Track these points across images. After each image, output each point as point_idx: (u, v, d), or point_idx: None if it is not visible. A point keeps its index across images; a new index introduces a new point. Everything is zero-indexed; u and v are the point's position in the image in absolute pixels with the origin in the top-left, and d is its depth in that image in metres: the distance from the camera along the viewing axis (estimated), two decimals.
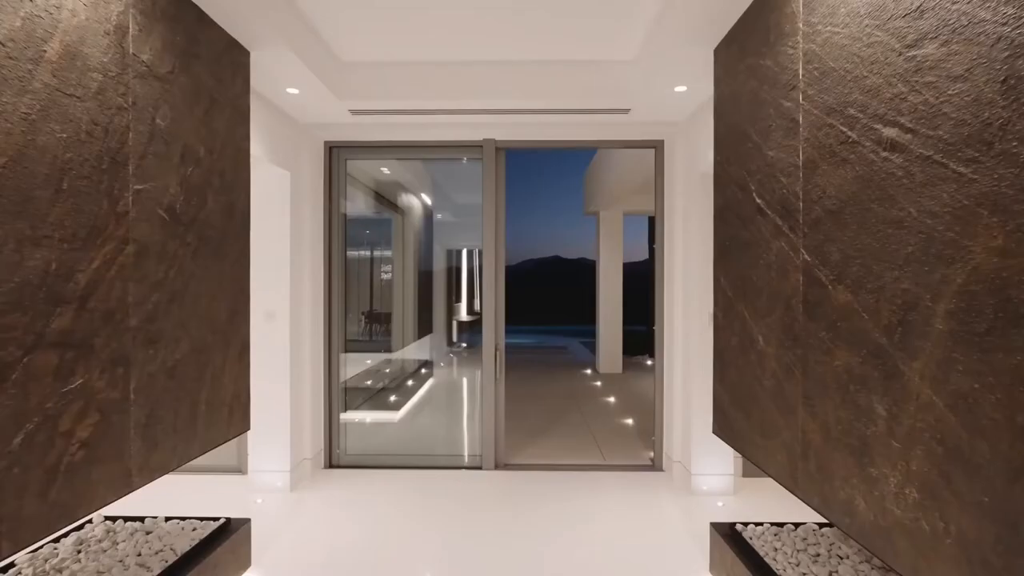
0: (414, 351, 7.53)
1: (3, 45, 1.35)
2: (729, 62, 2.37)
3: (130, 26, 1.80)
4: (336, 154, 4.13)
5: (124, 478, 1.77)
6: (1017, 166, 0.99)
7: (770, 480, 3.70)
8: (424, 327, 8.07)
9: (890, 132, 1.33)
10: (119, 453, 1.75)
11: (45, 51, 1.47)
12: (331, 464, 4.16)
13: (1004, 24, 1.02)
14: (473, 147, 4.09)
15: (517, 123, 3.86)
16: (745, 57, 2.19)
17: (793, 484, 1.82)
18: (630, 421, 5.59)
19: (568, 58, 3.30)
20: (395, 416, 5.56)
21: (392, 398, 6.04)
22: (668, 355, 3.99)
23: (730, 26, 2.35)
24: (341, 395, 4.28)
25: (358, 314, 5.60)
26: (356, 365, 5.02)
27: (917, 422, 1.24)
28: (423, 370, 7.61)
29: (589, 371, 8.90)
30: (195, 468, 3.82)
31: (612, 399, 6.69)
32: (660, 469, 4.07)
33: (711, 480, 3.58)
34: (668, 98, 3.28)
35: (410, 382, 6.89)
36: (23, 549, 1.43)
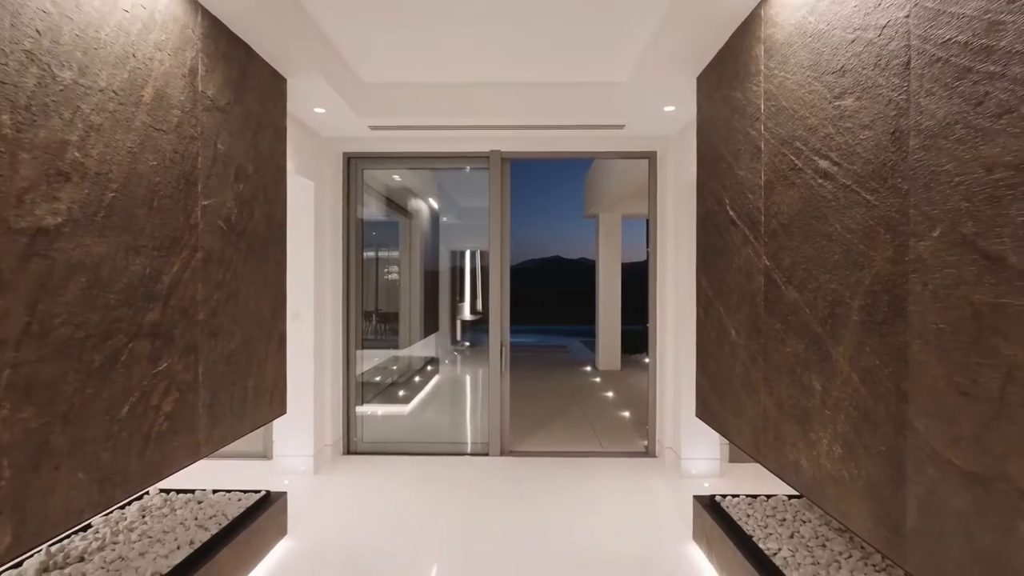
0: (420, 349, 7.87)
1: (116, 94, 1.69)
2: (709, 90, 2.71)
3: (199, 68, 2.14)
4: (354, 164, 4.47)
5: (194, 447, 2.12)
6: (900, 197, 1.33)
7: (753, 465, 4.03)
8: (430, 326, 8.41)
9: (823, 164, 1.67)
10: (191, 426, 2.09)
11: (143, 95, 1.81)
12: (349, 451, 4.51)
13: (893, 90, 1.36)
14: (480, 158, 4.43)
15: (521, 136, 4.20)
16: (721, 88, 2.52)
17: (757, 453, 2.15)
18: (627, 414, 5.93)
19: (568, 80, 3.64)
20: (405, 409, 5.90)
21: (401, 393, 6.37)
22: (661, 350, 4.32)
23: (710, 58, 2.69)
24: (358, 388, 4.62)
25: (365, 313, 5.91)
26: (367, 361, 5.35)
27: (841, 393, 1.58)
28: (429, 367, 7.95)
29: (589, 368, 9.24)
30: (224, 454, 4.16)
31: (610, 394, 7.03)
32: (653, 455, 4.40)
33: (699, 464, 3.91)
34: (659, 116, 3.62)
35: (417, 378, 7.24)
36: (128, 497, 1.77)
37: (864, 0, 1.48)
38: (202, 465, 3.85)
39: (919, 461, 1.27)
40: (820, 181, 1.68)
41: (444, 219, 8.89)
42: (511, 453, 4.47)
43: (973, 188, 1.11)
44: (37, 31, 1.42)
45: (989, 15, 1.08)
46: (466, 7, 2.66)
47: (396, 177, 5.80)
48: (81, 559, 2.16)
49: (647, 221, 4.62)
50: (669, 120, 3.70)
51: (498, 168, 4.39)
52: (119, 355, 1.71)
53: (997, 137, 1.06)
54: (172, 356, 1.97)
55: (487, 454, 4.45)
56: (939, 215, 1.21)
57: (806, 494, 1.78)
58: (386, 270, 7.02)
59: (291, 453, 3.98)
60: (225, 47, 2.33)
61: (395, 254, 7.11)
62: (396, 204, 6.76)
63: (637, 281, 4.76)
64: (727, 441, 4.01)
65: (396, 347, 7.13)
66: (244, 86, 2.48)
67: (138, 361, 1.80)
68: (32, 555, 2.13)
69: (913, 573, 1.29)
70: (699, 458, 3.91)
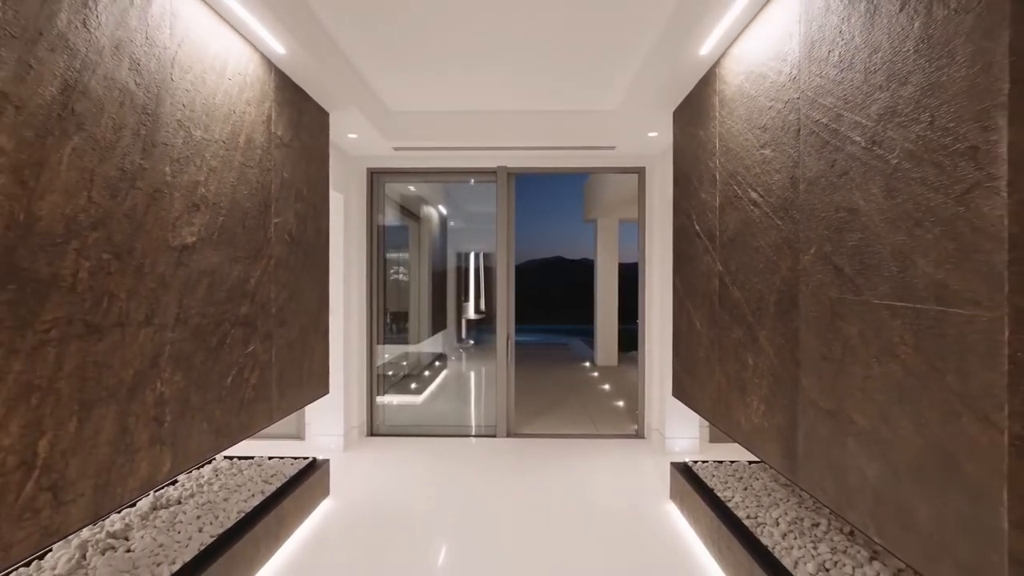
0: (429, 345, 8.44)
1: (224, 143, 2.26)
2: (681, 124, 3.26)
3: (272, 114, 2.71)
4: (377, 178, 5.04)
5: (269, 413, 2.68)
6: (795, 224, 1.89)
7: (729, 445, 4.58)
8: (438, 324, 8.99)
9: (754, 195, 2.22)
10: (267, 397, 2.66)
11: (239, 141, 2.38)
12: (372, 433, 5.07)
13: (791, 148, 1.91)
14: (488, 172, 5.00)
15: (525, 154, 4.76)
16: (690, 125, 3.08)
17: (714, 418, 2.71)
18: (621, 403, 6.49)
19: (566, 108, 4.20)
20: (418, 399, 6.46)
21: (413, 385, 6.94)
22: (649, 343, 4.88)
23: (682, 98, 3.24)
24: (379, 379, 5.19)
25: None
26: (382, 356, 5.91)
27: (764, 365, 2.14)
28: (437, 363, 8.52)
29: (588, 364, 9.79)
30: (263, 435, 4.72)
31: (607, 386, 7.58)
32: (642, 437, 4.96)
33: (681, 442, 4.47)
34: (644, 140, 4.18)
35: (427, 372, 7.81)
36: (230, 447, 2.33)
37: (776, 79, 2.04)
38: (245, 445, 4.42)
39: (804, 407, 1.83)
40: (752, 208, 2.24)
41: (452, 223, 9.46)
42: (516, 435, 5.03)
43: (829, 221, 1.67)
44: (183, 104, 1.99)
45: (836, 108, 1.64)
46: (480, 50, 3.23)
47: (411, 188, 6.37)
48: (179, 502, 2.72)
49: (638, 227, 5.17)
50: (653, 143, 4.26)
51: (504, 182, 4.96)
52: (225, 338, 2.28)
53: (839, 190, 1.62)
54: (256, 341, 2.54)
55: (495, 436, 5.01)
56: (813, 238, 1.76)
57: (744, 444, 2.34)
58: (393, 270, 7.54)
59: (323, 433, 4.55)
60: (289, 95, 2.89)
61: (405, 255, 7.66)
62: (408, 210, 7.33)
63: (634, 282, 5.29)
64: (706, 423, 4.57)
65: (407, 343, 7.69)
66: (300, 123, 3.05)
67: (236, 344, 2.36)
68: (141, 499, 2.70)
69: (803, 487, 1.85)
70: (681, 437, 4.47)
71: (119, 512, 2.57)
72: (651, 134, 4.01)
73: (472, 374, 8.70)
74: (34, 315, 1.37)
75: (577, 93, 3.88)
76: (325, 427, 4.55)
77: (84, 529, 2.30)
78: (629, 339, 10.66)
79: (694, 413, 4.19)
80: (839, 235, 1.62)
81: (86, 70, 1.53)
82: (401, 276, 7.47)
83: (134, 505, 2.66)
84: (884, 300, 1.42)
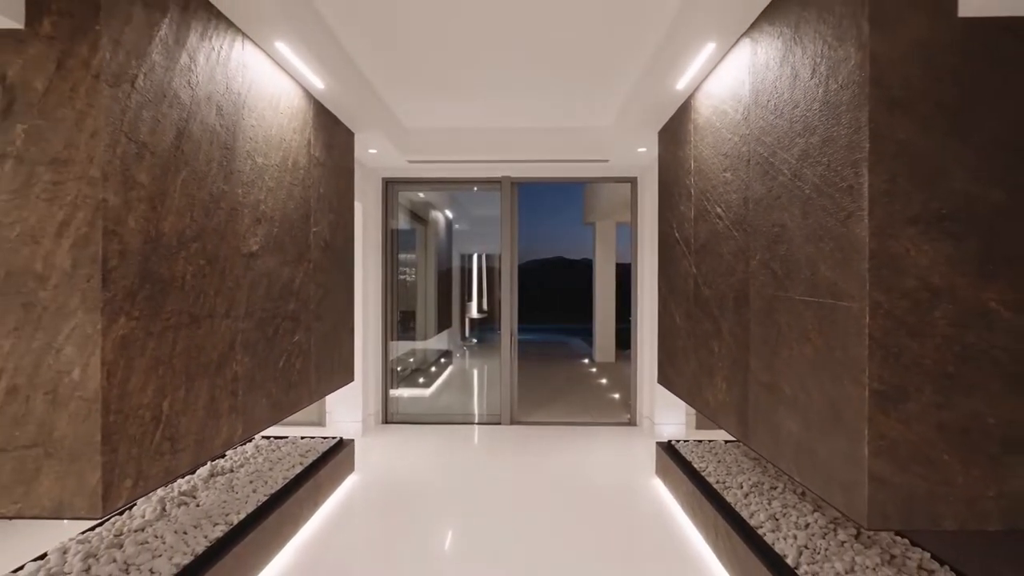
0: (436, 342, 8.89)
1: (277, 166, 2.71)
2: (665, 144, 3.71)
3: (311, 138, 3.16)
4: (391, 187, 5.50)
5: (309, 394, 3.13)
6: (747, 236, 2.33)
7: (713, 432, 5.02)
8: (443, 322, 9.44)
9: (719, 210, 2.67)
10: (308, 380, 3.11)
11: (288, 164, 2.84)
12: (386, 420, 5.53)
13: (744, 173, 2.36)
14: (493, 182, 5.45)
15: (528, 166, 5.21)
16: (672, 145, 3.53)
17: (690, 399, 3.16)
18: (616, 395, 6.93)
19: (564, 126, 4.65)
20: (426, 392, 6.91)
21: (421, 380, 7.38)
22: (640, 339, 5.33)
23: (665, 120, 3.69)
24: (392, 373, 5.64)
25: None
26: (393, 352, 6.35)
27: (726, 352, 2.58)
28: (443, 359, 8.97)
29: (586, 360, 10.24)
30: (287, 422, 5.17)
31: (604, 381, 8.03)
32: (635, 424, 5.41)
33: (670, 428, 4.91)
34: (635, 153, 4.63)
35: (433, 368, 8.25)
36: (282, 420, 2.77)
37: (734, 116, 2.48)
38: (274, 428, 4.87)
39: (752, 384, 2.28)
40: (717, 221, 2.69)
41: (456, 226, 9.91)
42: (519, 423, 5.48)
43: (768, 234, 2.12)
44: (250, 137, 2.44)
45: (773, 146, 2.08)
46: (487, 76, 3.68)
47: (420, 194, 6.83)
48: (231, 471, 3.18)
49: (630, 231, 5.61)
50: (642, 156, 4.71)
51: (508, 190, 5.41)
52: (278, 330, 2.73)
53: (775, 210, 2.06)
54: (300, 332, 3.00)
55: (499, 423, 5.46)
56: (758, 247, 2.21)
57: (712, 419, 2.79)
58: (401, 271, 7.95)
59: (344, 419, 5.00)
60: (324, 120, 3.35)
61: (412, 257, 8.07)
62: (417, 215, 7.77)
63: (632, 281, 5.71)
64: (693, 411, 5.02)
65: (414, 340, 8.12)
66: (332, 145, 3.51)
67: (285, 335, 2.82)
68: (199, 468, 3.15)
69: (752, 447, 2.30)
70: (669, 424, 4.92)
71: (184, 477, 3.03)
72: (640, 149, 4.46)
73: (475, 370, 9.16)
74: (161, 307, 1.82)
75: (574, 113, 4.33)
76: (345, 414, 5.00)
77: (159, 488, 2.76)
78: (627, 336, 11.12)
79: (681, 401, 4.65)
80: (774, 245, 2.07)
81: (190, 119, 1.99)
82: (409, 277, 7.89)
83: (194, 472, 3.11)
84: (801, 296, 1.87)
